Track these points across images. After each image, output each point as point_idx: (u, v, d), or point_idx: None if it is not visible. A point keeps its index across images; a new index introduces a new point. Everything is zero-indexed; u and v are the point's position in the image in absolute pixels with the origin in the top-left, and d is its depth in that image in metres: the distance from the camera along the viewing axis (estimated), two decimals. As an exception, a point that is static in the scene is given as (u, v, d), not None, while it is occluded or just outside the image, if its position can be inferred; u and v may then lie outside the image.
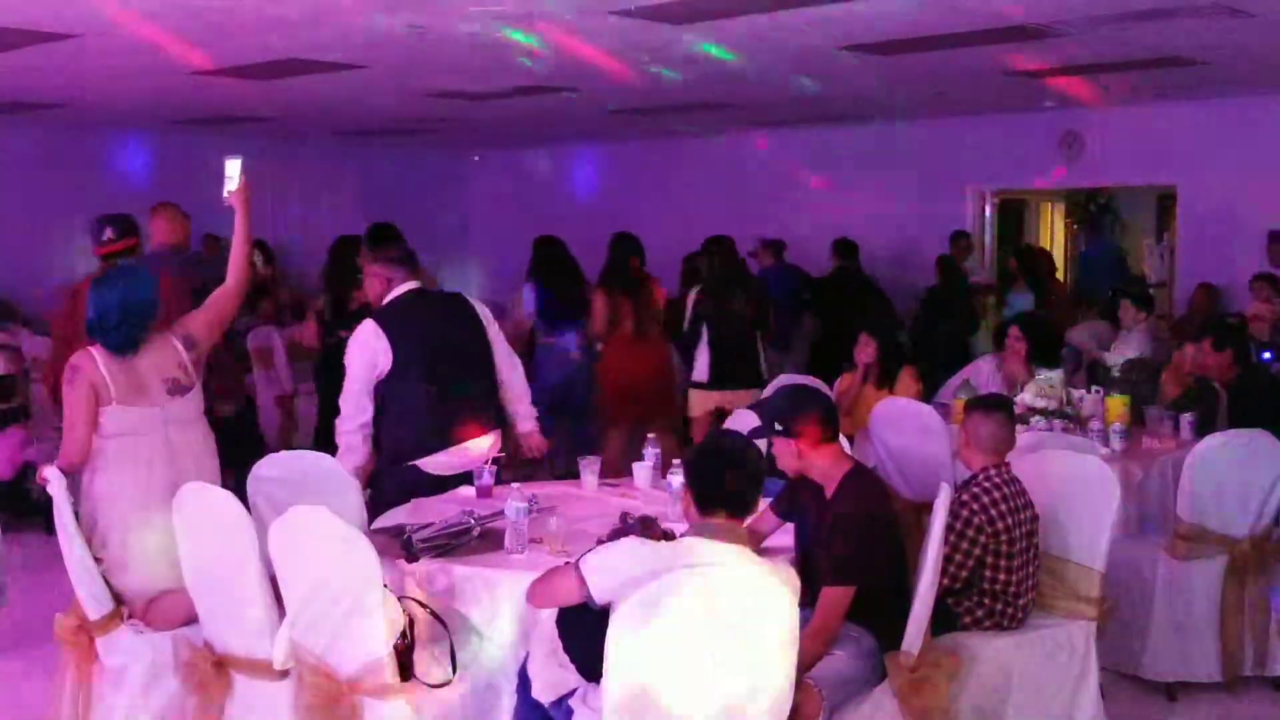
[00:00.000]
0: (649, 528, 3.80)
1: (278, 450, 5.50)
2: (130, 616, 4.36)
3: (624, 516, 4.04)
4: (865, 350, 7.01)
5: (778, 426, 4.00)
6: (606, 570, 3.18)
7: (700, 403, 7.92)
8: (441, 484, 5.06)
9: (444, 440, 5.07)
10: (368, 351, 5.15)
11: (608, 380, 8.11)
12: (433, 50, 7.96)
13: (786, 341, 10.93)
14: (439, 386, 5.12)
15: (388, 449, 5.22)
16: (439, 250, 13.46)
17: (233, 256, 4.93)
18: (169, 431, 4.45)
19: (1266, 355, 8.03)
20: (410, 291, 5.32)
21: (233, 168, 5.05)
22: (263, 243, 13.42)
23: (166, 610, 4.33)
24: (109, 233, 6.01)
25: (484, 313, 5.48)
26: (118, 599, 4.35)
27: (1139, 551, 5.34)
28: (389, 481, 5.17)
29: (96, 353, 4.40)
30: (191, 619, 4.23)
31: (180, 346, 4.52)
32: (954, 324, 11.11)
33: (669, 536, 3.77)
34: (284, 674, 3.91)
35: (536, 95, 10.20)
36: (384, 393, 5.17)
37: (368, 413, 5.17)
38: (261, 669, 3.95)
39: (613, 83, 9.57)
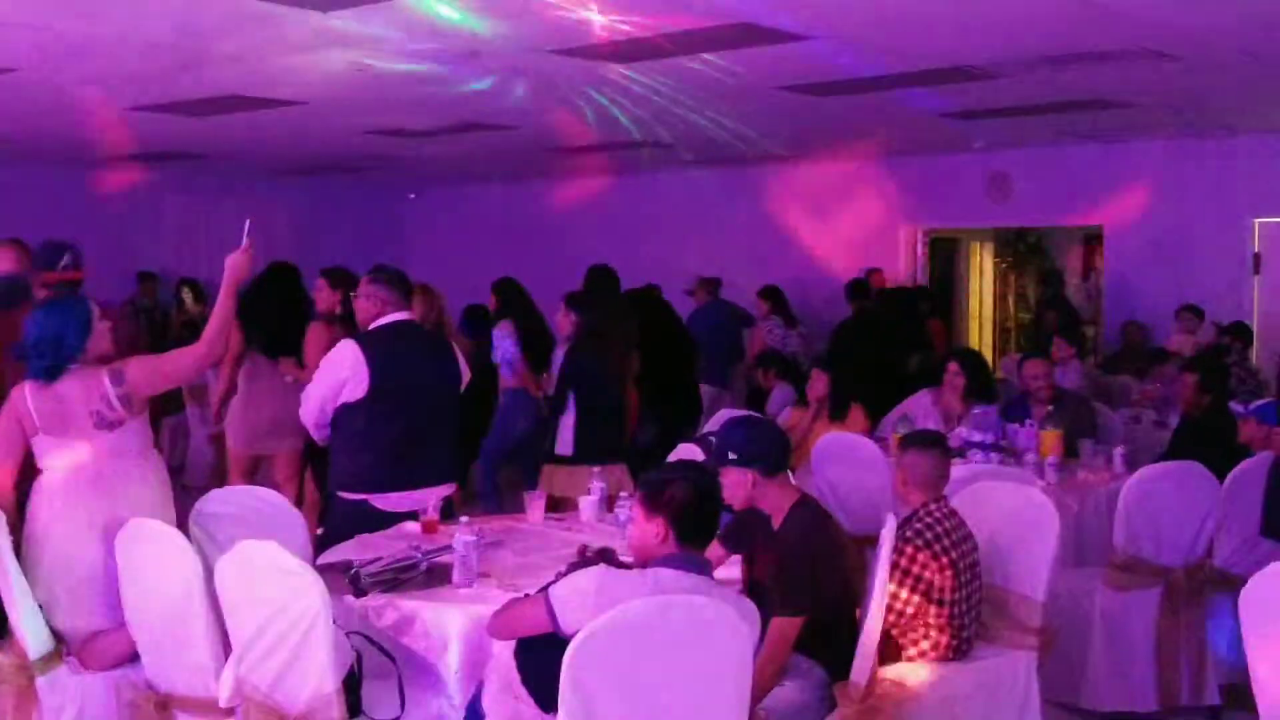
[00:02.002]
0: (608, 559, 3.81)
1: (209, 488, 5.38)
2: (68, 655, 4.29)
3: (583, 549, 4.05)
4: (816, 385, 7.07)
5: (732, 456, 4.03)
6: (576, 599, 3.19)
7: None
8: (391, 519, 5.02)
9: (399, 481, 5.03)
10: (343, 372, 5.02)
11: None
12: (374, 88, 7.97)
13: (724, 378, 11.00)
14: (406, 425, 5.05)
15: (338, 473, 5.14)
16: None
17: (218, 306, 4.66)
18: (101, 466, 4.37)
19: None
20: (401, 322, 5.22)
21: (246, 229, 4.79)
22: (193, 281, 13.35)
23: (102, 651, 4.25)
24: (67, 258, 5.88)
25: (462, 361, 5.43)
26: (59, 638, 4.28)
27: (1076, 583, 5.41)
28: (339, 514, 5.12)
29: (25, 383, 4.35)
30: (127, 659, 4.17)
31: (107, 380, 4.41)
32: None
33: (627, 569, 3.79)
34: (229, 712, 3.87)
35: (474, 132, 10.23)
36: (348, 417, 5.06)
37: (325, 429, 5.14)
38: (207, 707, 3.90)
39: (550, 121, 9.64)
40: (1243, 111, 9.35)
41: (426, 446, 5.13)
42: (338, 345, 5.17)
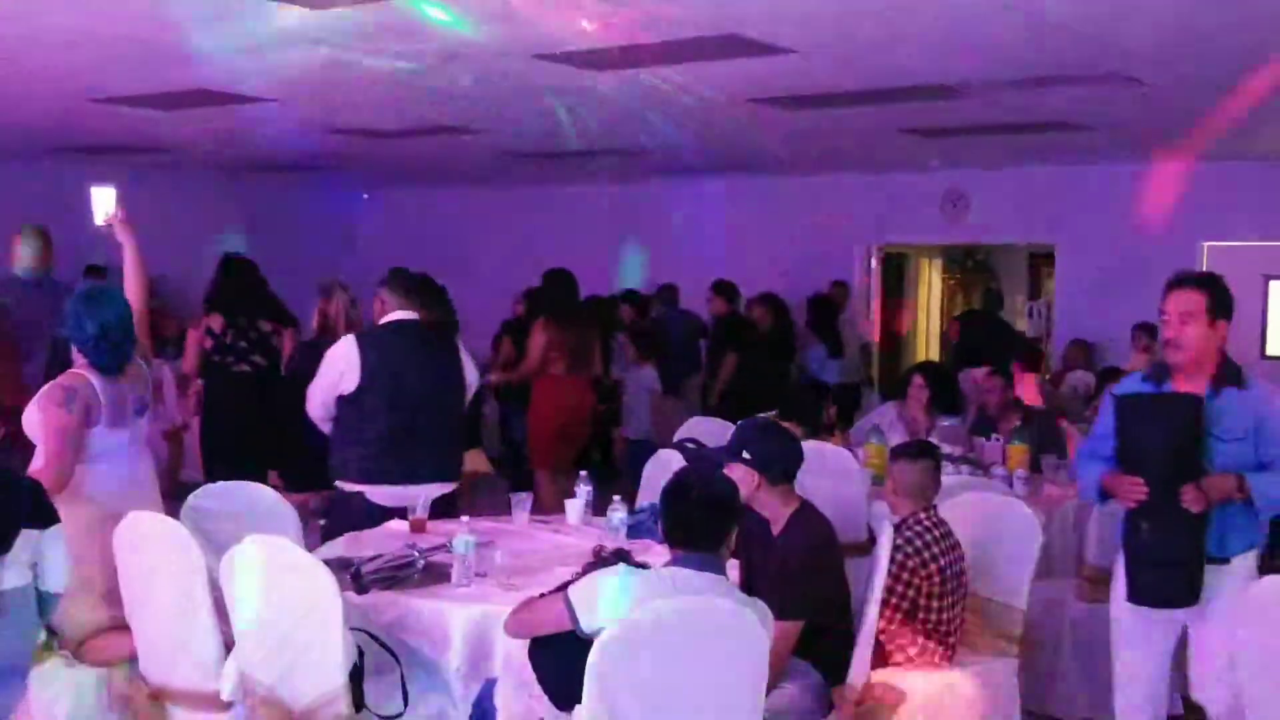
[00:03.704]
0: (625, 559, 3.85)
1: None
2: (61, 648, 4.26)
3: (599, 549, 4.09)
4: None
5: (746, 455, 4.09)
6: (596, 598, 3.23)
7: None
8: (387, 514, 5.06)
9: (390, 475, 5.09)
10: (339, 364, 5.23)
11: (541, 420, 7.92)
12: (347, 87, 7.95)
13: (678, 388, 11.05)
14: (397, 420, 5.15)
15: (335, 463, 5.29)
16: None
17: (130, 289, 4.78)
18: (130, 453, 4.37)
19: None
20: (401, 321, 5.36)
21: (104, 197, 4.93)
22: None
23: (105, 649, 4.22)
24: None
25: (468, 362, 5.52)
26: (49, 630, 4.24)
27: (1047, 594, 5.52)
28: (338, 505, 5.18)
29: (88, 373, 4.31)
30: (128, 658, 4.15)
31: (142, 364, 4.46)
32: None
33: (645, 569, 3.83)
34: (227, 706, 3.87)
35: (440, 135, 10.22)
36: (344, 409, 5.24)
37: (328, 422, 5.31)
38: (205, 701, 3.90)
39: (516, 127, 9.65)
40: (1194, 137, 9.56)
41: (418, 443, 5.19)
42: (340, 340, 5.35)
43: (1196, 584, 4.07)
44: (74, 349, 4.39)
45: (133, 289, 4.78)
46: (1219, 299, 4.11)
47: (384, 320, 5.39)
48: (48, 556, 3.57)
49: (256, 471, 5.92)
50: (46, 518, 3.53)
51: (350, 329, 6.25)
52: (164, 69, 7.49)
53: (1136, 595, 4.17)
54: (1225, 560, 4.11)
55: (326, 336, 6.40)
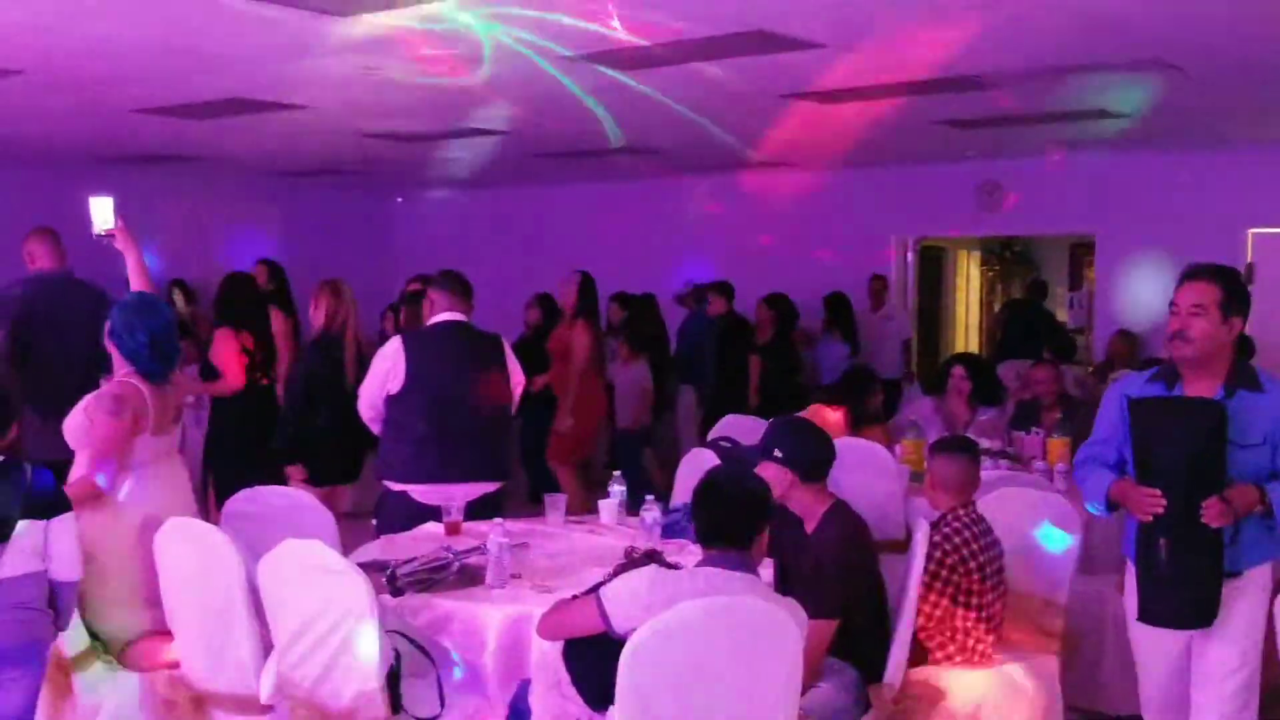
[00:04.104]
0: (657, 560, 3.85)
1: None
2: (104, 653, 4.30)
3: (630, 551, 4.09)
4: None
5: (778, 454, 4.08)
6: (629, 600, 3.23)
7: None
8: (430, 513, 5.12)
9: (430, 473, 5.15)
10: (386, 364, 5.41)
11: (588, 418, 8.24)
12: (380, 92, 7.98)
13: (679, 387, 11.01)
14: (437, 419, 5.24)
15: (381, 462, 5.45)
16: (367, 292, 13.37)
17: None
18: (170, 460, 4.44)
19: None
20: (448, 322, 5.47)
21: (102, 207, 4.99)
22: (183, 282, 13.31)
23: (147, 654, 4.26)
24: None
25: (513, 364, 5.59)
26: (93, 636, 4.29)
27: (1090, 589, 5.47)
28: (387, 505, 5.26)
29: (137, 380, 4.35)
30: (172, 664, 4.18)
31: (185, 373, 4.53)
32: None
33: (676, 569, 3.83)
34: (268, 709, 3.90)
35: (472, 137, 10.25)
36: (390, 408, 5.39)
37: (377, 422, 5.46)
38: (245, 704, 3.93)
39: (549, 127, 9.66)
40: (1238, 122, 9.45)
41: (457, 443, 5.26)
42: (389, 340, 5.54)
43: (1214, 604, 3.81)
44: (117, 355, 4.43)
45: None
46: (1234, 294, 3.86)
47: (431, 321, 5.53)
48: (57, 546, 3.64)
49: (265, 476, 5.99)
50: (51, 508, 3.62)
51: (354, 328, 6.43)
52: (199, 79, 7.57)
53: (1150, 617, 3.92)
54: (1238, 574, 3.87)
55: (334, 334, 6.45)
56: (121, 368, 4.42)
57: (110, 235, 5.05)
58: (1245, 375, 3.88)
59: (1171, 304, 3.94)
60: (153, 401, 4.34)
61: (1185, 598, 3.81)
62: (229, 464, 6.95)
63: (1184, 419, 3.76)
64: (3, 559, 3.63)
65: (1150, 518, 3.78)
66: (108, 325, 4.45)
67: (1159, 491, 3.73)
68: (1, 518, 3.62)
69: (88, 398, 4.36)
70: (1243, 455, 3.78)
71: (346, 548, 4.43)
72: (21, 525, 3.64)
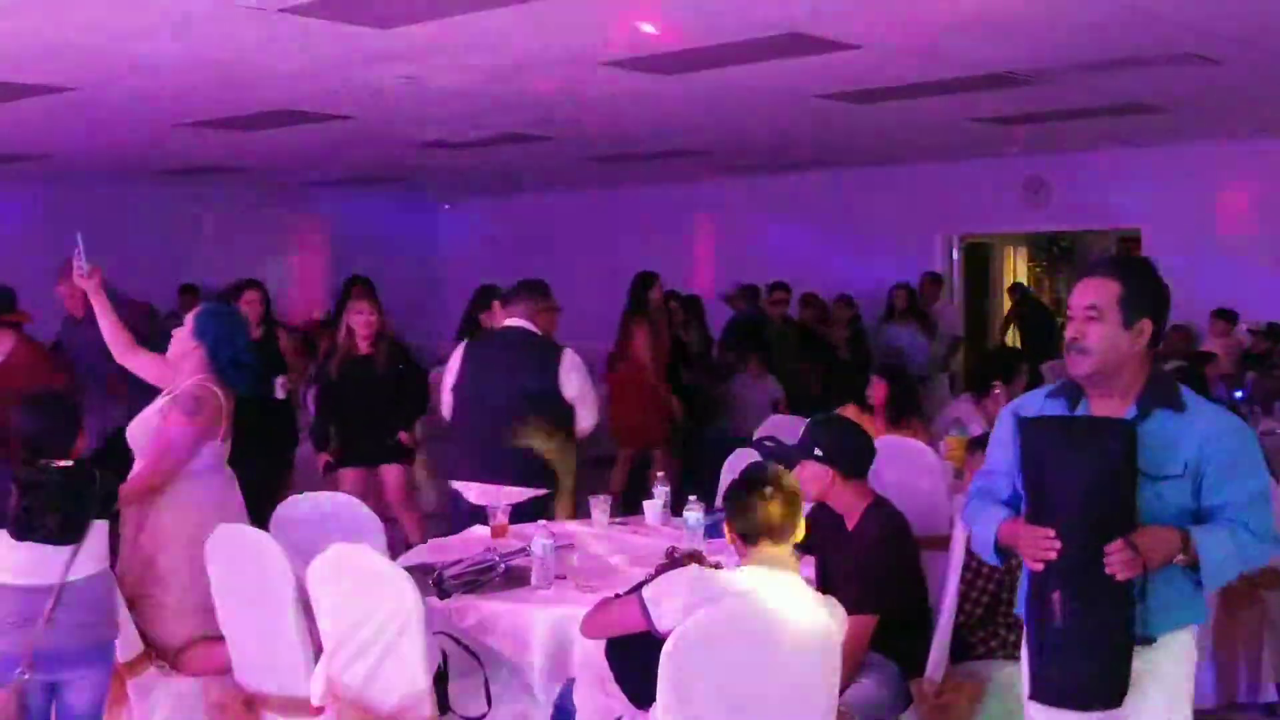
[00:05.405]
0: (698, 560, 3.89)
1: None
2: (158, 658, 4.39)
3: (671, 551, 4.14)
4: (876, 391, 7.12)
5: (818, 452, 4.11)
6: (670, 599, 3.28)
7: None
8: (482, 514, 5.22)
9: (476, 473, 5.27)
10: (451, 365, 5.74)
11: (656, 409, 8.47)
12: (424, 101, 8.08)
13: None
14: (479, 422, 5.43)
15: (445, 461, 5.84)
16: (411, 299, 13.50)
17: (111, 334, 4.84)
18: (226, 467, 4.56)
19: (1240, 394, 8.22)
20: (508, 327, 5.66)
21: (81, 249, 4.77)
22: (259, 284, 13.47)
23: (201, 659, 4.34)
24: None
25: (569, 373, 5.55)
26: (146, 641, 4.38)
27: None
28: (453, 506, 5.60)
29: (215, 386, 4.48)
30: (225, 669, 4.26)
31: None
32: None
33: (717, 569, 3.87)
34: (319, 711, 3.97)
35: (515, 143, 10.34)
36: (452, 410, 5.71)
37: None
38: (297, 707, 3.99)
39: (592, 131, 9.74)
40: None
41: (501, 445, 5.31)
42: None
43: (1123, 678, 2.97)
44: (199, 357, 4.54)
45: (113, 332, 4.85)
46: (1140, 291, 3.08)
47: (497, 326, 5.84)
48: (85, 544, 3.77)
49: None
50: (109, 509, 3.77)
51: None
52: (245, 92, 7.71)
53: (1042, 694, 3.06)
54: (1149, 640, 3.02)
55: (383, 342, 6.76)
56: (198, 371, 4.52)
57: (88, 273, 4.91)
58: (1164, 391, 3.09)
59: (1067, 307, 3.20)
60: (228, 408, 4.47)
61: (1086, 669, 2.98)
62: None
63: (1083, 443, 2.96)
64: (76, 561, 3.76)
65: (1042, 566, 2.98)
66: (196, 324, 4.55)
67: (1053, 533, 2.94)
68: (76, 521, 3.75)
69: (160, 399, 4.49)
70: (1158, 489, 3.01)
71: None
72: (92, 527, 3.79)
